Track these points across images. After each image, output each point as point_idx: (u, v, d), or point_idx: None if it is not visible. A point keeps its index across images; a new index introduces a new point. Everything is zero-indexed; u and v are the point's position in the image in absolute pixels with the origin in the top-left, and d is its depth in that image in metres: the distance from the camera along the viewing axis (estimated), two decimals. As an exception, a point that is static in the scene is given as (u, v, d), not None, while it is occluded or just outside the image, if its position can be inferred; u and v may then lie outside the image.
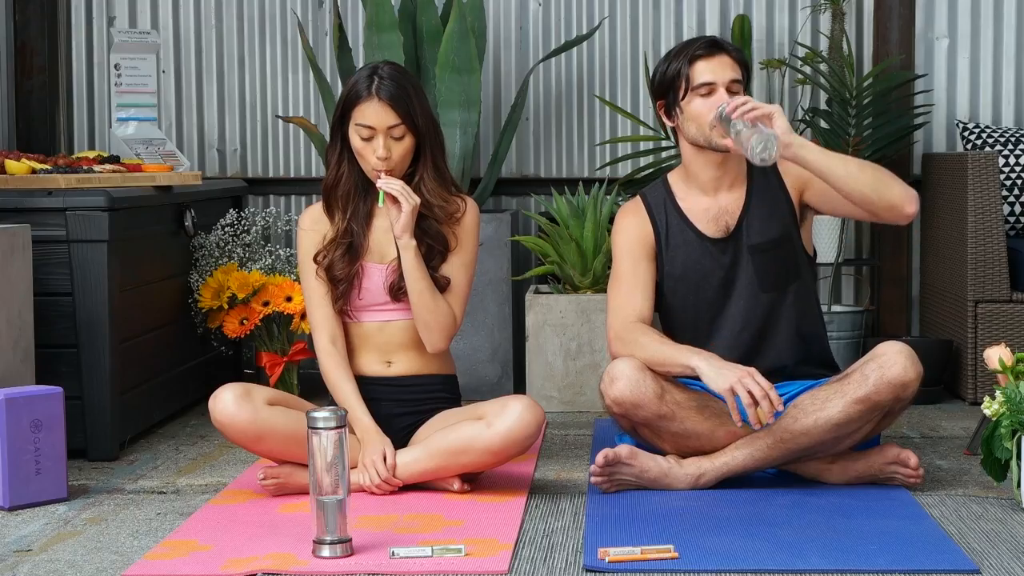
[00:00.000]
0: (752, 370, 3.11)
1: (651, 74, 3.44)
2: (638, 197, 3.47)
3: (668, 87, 3.33)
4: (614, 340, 3.32)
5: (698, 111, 3.28)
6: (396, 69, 3.32)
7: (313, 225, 3.42)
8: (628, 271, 3.38)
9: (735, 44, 3.49)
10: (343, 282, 3.35)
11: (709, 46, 3.30)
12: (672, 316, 3.41)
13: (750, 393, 3.07)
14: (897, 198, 3.15)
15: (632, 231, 3.41)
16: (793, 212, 3.37)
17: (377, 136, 3.28)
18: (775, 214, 3.35)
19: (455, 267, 3.37)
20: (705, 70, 3.28)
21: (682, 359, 3.18)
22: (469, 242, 3.39)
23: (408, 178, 3.35)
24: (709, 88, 3.27)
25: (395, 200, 3.25)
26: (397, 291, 3.34)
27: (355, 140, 3.31)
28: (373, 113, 3.27)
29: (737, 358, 3.28)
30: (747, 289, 3.34)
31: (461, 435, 3.19)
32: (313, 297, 3.39)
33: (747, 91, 3.34)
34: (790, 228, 3.36)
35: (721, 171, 3.36)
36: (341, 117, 3.33)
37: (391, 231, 3.33)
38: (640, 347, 3.24)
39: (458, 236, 3.37)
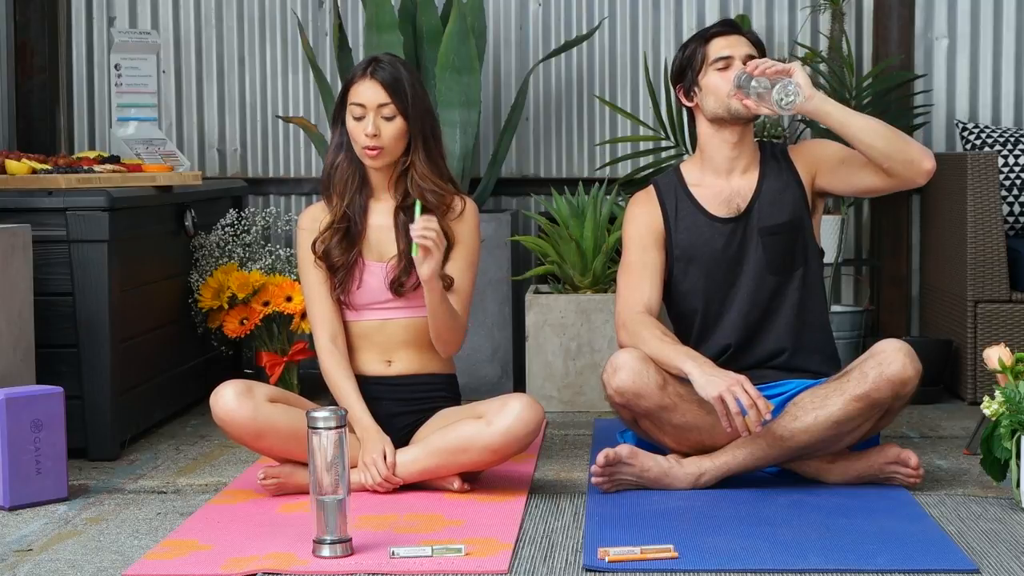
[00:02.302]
0: (742, 378, 3.12)
1: (671, 64, 3.50)
2: (650, 185, 3.50)
3: (686, 67, 3.40)
4: (620, 329, 3.35)
5: (716, 84, 3.34)
6: (396, 59, 3.37)
7: (312, 224, 3.42)
8: (637, 260, 3.41)
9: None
10: (341, 270, 3.36)
11: (725, 25, 3.41)
12: (684, 299, 3.42)
13: (738, 401, 3.09)
14: (916, 152, 3.22)
15: (641, 219, 3.44)
16: (804, 198, 3.40)
17: (368, 115, 3.29)
18: (786, 198, 3.38)
19: (459, 268, 3.37)
20: (722, 46, 3.36)
21: (676, 361, 3.20)
22: (471, 242, 3.39)
23: (400, 166, 3.35)
24: (726, 62, 3.34)
25: (428, 250, 3.18)
26: (399, 287, 3.34)
27: (349, 122, 3.33)
28: (365, 90, 3.30)
29: (740, 340, 3.34)
30: (755, 271, 3.36)
31: (461, 433, 3.19)
32: (313, 293, 3.39)
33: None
34: (801, 213, 3.39)
35: (736, 152, 3.39)
36: (341, 104, 3.36)
37: (390, 229, 3.35)
38: (642, 341, 3.27)
39: (460, 237, 3.37)
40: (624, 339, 3.33)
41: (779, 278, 3.37)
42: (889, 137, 3.22)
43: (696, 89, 3.38)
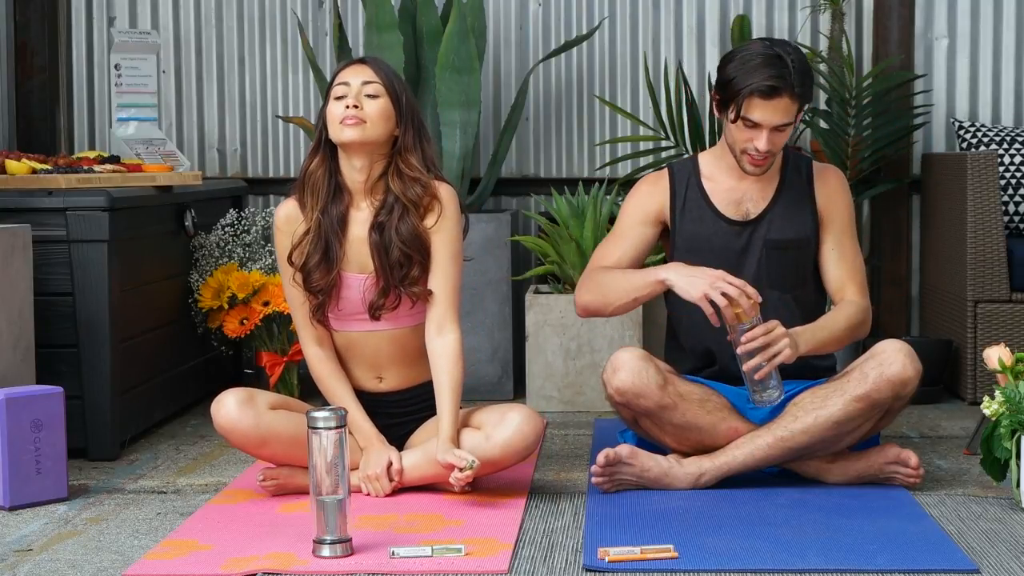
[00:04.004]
0: (721, 272, 3.13)
1: (719, 63, 3.34)
2: (665, 168, 3.48)
3: (723, 94, 3.27)
4: (579, 288, 3.34)
5: (735, 137, 3.28)
6: (382, 60, 3.34)
7: (287, 227, 3.30)
8: (622, 232, 3.40)
9: (802, 69, 3.23)
10: (322, 292, 3.27)
11: (770, 90, 3.18)
12: (681, 299, 3.39)
13: (725, 295, 3.10)
14: (859, 338, 3.35)
15: (644, 197, 3.42)
16: (816, 220, 3.38)
17: (350, 91, 3.23)
18: (799, 216, 3.36)
19: (442, 275, 3.26)
20: (757, 110, 3.20)
21: (650, 277, 3.20)
22: (453, 245, 3.27)
23: (388, 162, 3.26)
24: (755, 125, 3.23)
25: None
26: (377, 310, 3.27)
27: (329, 106, 3.24)
28: (349, 71, 3.26)
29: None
30: (753, 281, 3.30)
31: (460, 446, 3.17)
32: (295, 301, 3.33)
33: (800, 110, 3.27)
34: (810, 234, 3.36)
35: None
36: (324, 101, 3.29)
37: (366, 241, 3.26)
38: (601, 285, 3.26)
39: (440, 244, 3.26)
40: (583, 295, 3.31)
41: (779, 293, 3.34)
42: (845, 342, 3.31)
43: (726, 117, 3.28)
